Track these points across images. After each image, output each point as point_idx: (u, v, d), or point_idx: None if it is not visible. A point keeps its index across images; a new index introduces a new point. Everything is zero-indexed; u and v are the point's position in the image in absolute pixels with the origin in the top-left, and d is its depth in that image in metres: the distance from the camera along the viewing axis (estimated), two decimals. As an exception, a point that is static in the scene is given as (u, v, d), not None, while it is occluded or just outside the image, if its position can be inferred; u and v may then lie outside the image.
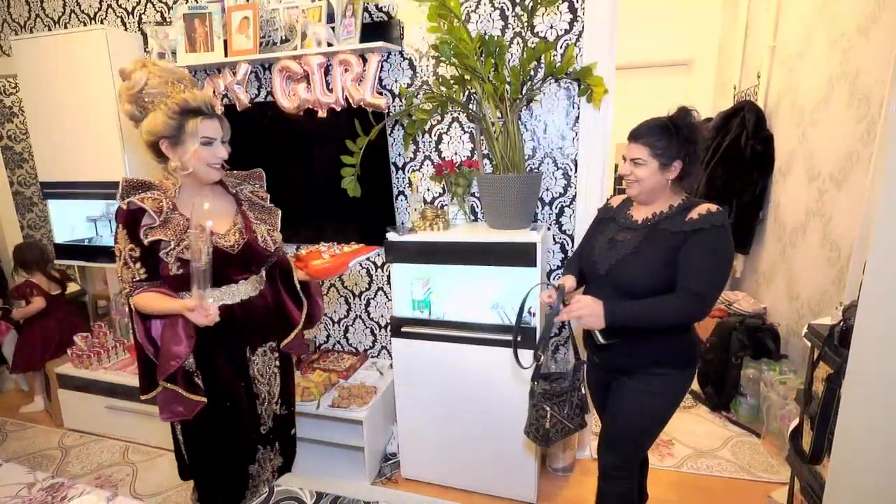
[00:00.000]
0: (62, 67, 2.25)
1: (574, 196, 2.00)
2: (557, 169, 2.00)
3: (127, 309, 1.36)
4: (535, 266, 1.71)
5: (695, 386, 2.76)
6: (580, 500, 1.98)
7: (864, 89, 1.91)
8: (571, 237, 2.03)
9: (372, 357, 2.47)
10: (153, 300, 1.25)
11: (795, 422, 1.50)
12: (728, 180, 2.73)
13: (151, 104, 1.26)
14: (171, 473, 2.19)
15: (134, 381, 2.34)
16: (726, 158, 2.74)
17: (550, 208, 2.04)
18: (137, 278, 1.27)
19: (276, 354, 1.54)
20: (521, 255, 1.72)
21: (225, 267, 1.35)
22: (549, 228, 2.05)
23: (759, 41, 2.92)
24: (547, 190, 2.02)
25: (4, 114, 3.54)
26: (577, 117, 1.93)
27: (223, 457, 1.44)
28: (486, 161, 2.02)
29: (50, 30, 2.62)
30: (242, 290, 1.42)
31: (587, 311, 1.23)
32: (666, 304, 1.22)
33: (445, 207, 2.12)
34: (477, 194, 2.08)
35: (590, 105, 1.87)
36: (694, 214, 1.24)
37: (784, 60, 2.62)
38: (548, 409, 1.36)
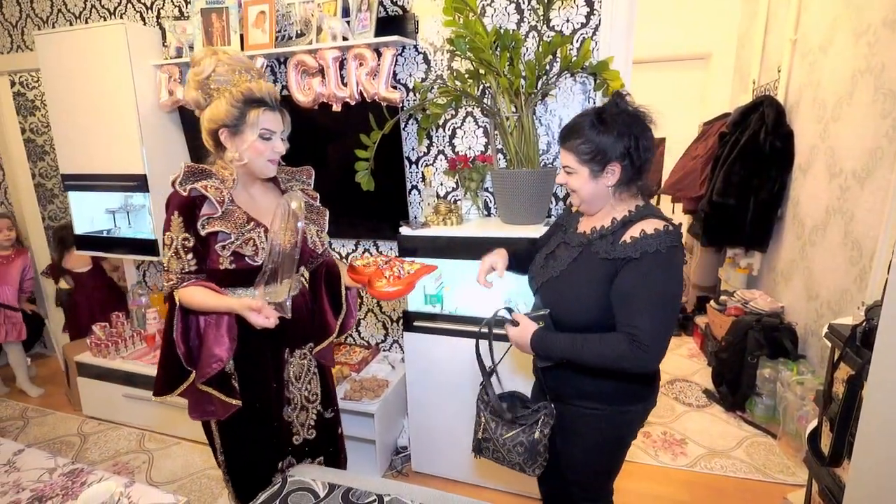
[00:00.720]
0: (83, 61, 2.29)
1: (588, 192, 1.97)
2: (572, 164, 1.97)
3: (169, 302, 1.28)
4: (549, 262, 1.70)
5: (709, 385, 2.73)
6: (591, 497, 1.97)
7: (889, 84, 1.86)
8: (585, 233, 2.01)
9: (384, 351, 2.48)
10: (202, 295, 1.19)
11: (814, 423, 1.47)
12: (745, 177, 2.68)
13: (217, 91, 1.22)
14: (186, 462, 2.23)
15: (150, 371, 2.39)
16: (744, 154, 2.69)
17: (564, 203, 2.02)
18: (187, 269, 1.21)
19: (312, 355, 1.48)
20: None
21: (278, 264, 1.30)
22: (562, 224, 2.03)
23: (779, 34, 2.86)
24: (561, 186, 2.00)
25: (27, 107, 3.62)
26: (593, 112, 1.90)
27: (254, 458, 1.41)
28: (499, 156, 2.00)
29: (71, 24, 2.66)
30: (286, 288, 1.35)
31: (514, 340, 1.15)
32: (603, 348, 1.03)
33: (459, 202, 2.11)
34: (490, 189, 2.07)
35: (606, 100, 1.84)
36: (627, 237, 1.04)
37: (806, 54, 2.55)
38: (482, 418, 1.22)
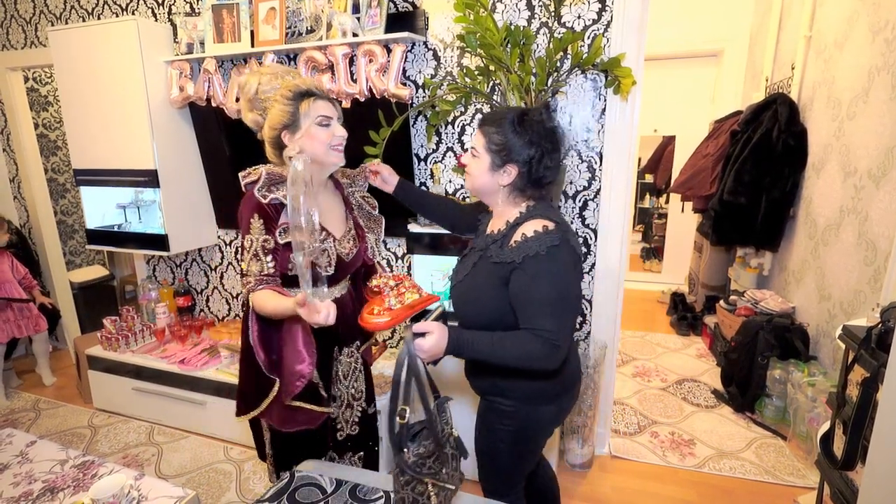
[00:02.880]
0: (95, 57, 2.30)
1: (598, 190, 1.96)
2: (582, 162, 1.96)
3: (245, 308, 1.28)
4: (558, 260, 1.69)
5: (718, 385, 2.71)
6: (597, 496, 1.96)
7: (908, 81, 1.82)
8: (595, 231, 2.00)
9: (391, 347, 2.48)
10: (271, 299, 1.17)
11: (826, 425, 1.45)
12: (757, 175, 2.65)
13: (267, 101, 1.24)
14: (195, 455, 2.25)
15: (159, 365, 2.41)
16: (756, 153, 2.65)
17: (574, 202, 2.01)
18: (266, 272, 1.20)
19: (360, 357, 1.50)
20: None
21: (340, 271, 1.33)
22: (572, 222, 2.02)
23: (793, 31, 2.81)
24: (571, 183, 1.99)
25: (40, 103, 3.66)
26: (604, 109, 1.89)
27: (302, 454, 1.42)
28: (508, 153, 1.99)
29: (84, 21, 2.68)
30: (336, 289, 1.39)
31: (431, 350, 1.01)
32: (517, 348, 1.01)
33: (467, 199, 2.11)
34: (499, 187, 2.06)
35: (616, 97, 1.83)
36: (512, 241, 1.06)
37: (820, 51, 2.51)
38: (428, 481, 1.02)
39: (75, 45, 2.32)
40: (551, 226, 1.04)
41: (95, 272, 3.50)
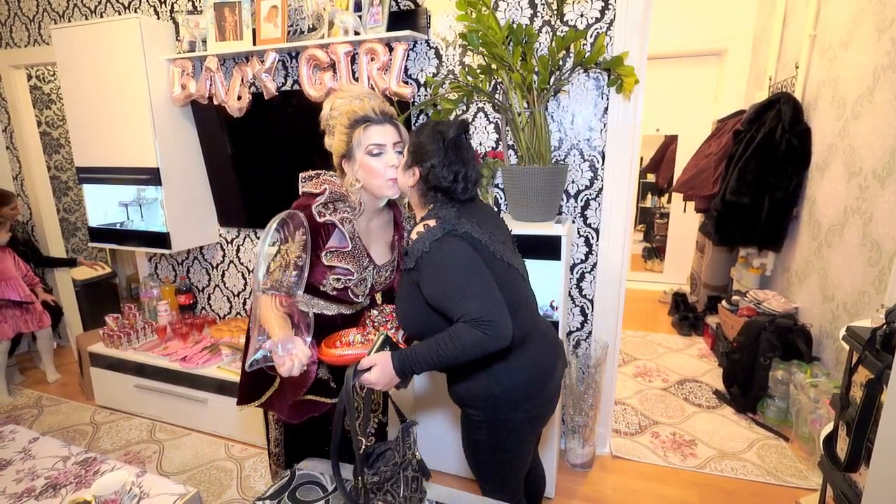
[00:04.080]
0: (98, 55, 2.31)
1: (600, 189, 1.96)
2: (584, 161, 1.96)
3: (253, 304, 1.26)
4: (560, 259, 1.69)
5: (720, 386, 2.70)
6: (598, 496, 1.96)
7: (913, 81, 1.81)
8: (597, 231, 1.99)
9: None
10: (271, 308, 1.15)
11: (829, 427, 1.44)
12: (760, 175, 2.63)
13: (333, 128, 1.23)
14: (196, 452, 2.26)
15: (160, 363, 2.42)
16: (759, 152, 2.64)
17: (576, 201, 2.00)
18: (286, 283, 1.18)
19: None
20: (546, 248, 1.69)
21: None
22: (573, 222, 2.01)
23: (798, 30, 2.80)
24: (573, 182, 1.99)
25: (43, 101, 3.67)
26: (606, 108, 1.88)
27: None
28: (510, 152, 1.99)
29: (87, 19, 2.69)
30: (353, 309, 1.38)
31: (379, 381, 1.04)
32: (457, 342, 0.99)
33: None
34: (501, 186, 2.06)
35: (619, 96, 1.82)
36: (407, 244, 1.10)
37: (825, 50, 2.50)
38: None
39: (78, 43, 2.33)
40: (432, 223, 1.07)
41: (98, 270, 3.50)
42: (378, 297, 1.50)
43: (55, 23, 2.79)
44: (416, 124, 1.16)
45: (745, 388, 2.47)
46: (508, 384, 1.14)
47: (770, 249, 2.87)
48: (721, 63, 3.85)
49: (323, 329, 1.28)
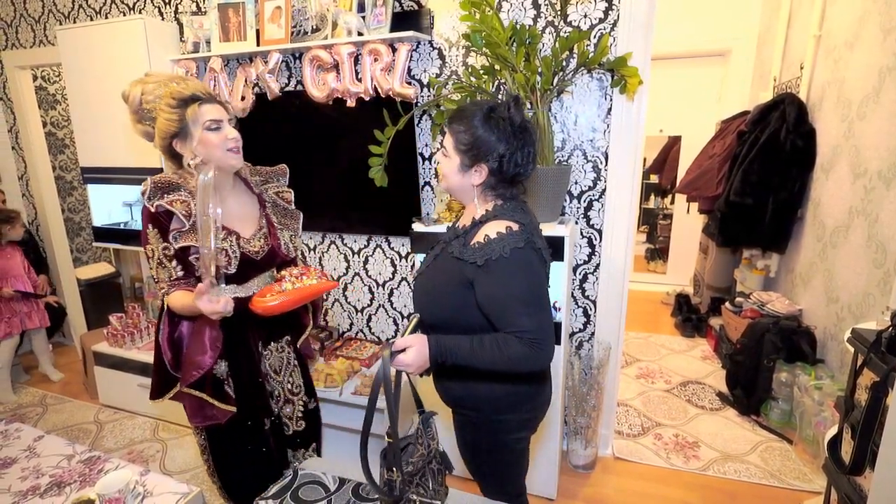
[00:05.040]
0: (102, 56, 2.32)
1: (604, 190, 1.95)
2: (587, 162, 1.96)
3: (160, 309, 1.34)
4: (563, 260, 1.69)
5: (723, 388, 2.69)
6: (600, 497, 1.96)
7: (919, 81, 1.80)
8: (600, 232, 1.99)
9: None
10: (181, 298, 1.21)
11: (833, 429, 1.44)
12: (765, 176, 2.62)
13: (154, 111, 1.23)
14: (199, 452, 2.26)
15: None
16: (764, 153, 2.63)
17: (579, 202, 2.00)
18: (175, 276, 1.24)
19: (292, 349, 1.50)
20: (549, 249, 1.69)
21: (248, 269, 1.33)
22: (576, 222, 2.01)
23: (803, 30, 2.79)
24: (576, 183, 1.98)
25: (48, 101, 3.69)
26: (610, 109, 1.88)
27: (249, 467, 1.42)
28: (514, 153, 1.99)
29: (92, 20, 2.70)
30: (256, 284, 1.37)
31: (414, 363, 1.01)
32: (499, 351, 0.98)
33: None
34: (504, 186, 2.06)
35: (623, 97, 1.82)
36: (475, 241, 1.02)
37: (830, 50, 2.48)
38: (415, 498, 1.02)
39: (83, 43, 2.34)
40: (515, 227, 1.01)
41: (102, 269, 3.53)
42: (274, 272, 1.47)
43: (60, 24, 2.81)
44: (452, 115, 1.09)
45: (748, 390, 2.46)
46: (510, 387, 1.12)
47: (774, 251, 2.85)
48: (725, 63, 3.84)
49: (238, 320, 1.29)
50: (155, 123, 1.23)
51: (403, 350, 1.00)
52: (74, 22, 2.76)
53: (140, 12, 2.55)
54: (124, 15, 2.59)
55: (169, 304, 1.25)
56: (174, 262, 1.23)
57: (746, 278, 3.16)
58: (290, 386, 1.48)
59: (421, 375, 1.09)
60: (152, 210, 1.20)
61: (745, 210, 2.71)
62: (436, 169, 1.16)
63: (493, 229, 1.01)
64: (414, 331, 1.06)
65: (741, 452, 2.18)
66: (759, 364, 2.40)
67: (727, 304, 2.99)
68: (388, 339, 1.10)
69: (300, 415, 1.51)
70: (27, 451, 1.37)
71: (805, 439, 2.11)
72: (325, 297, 2.43)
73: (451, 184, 1.10)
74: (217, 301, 1.11)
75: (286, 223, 1.45)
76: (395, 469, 0.98)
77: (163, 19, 2.49)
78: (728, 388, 2.64)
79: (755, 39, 3.54)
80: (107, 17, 2.65)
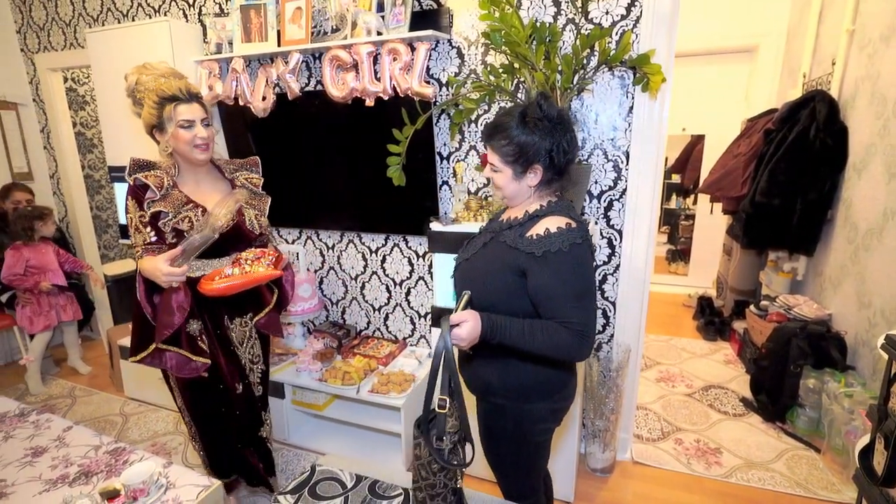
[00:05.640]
0: (130, 58, 2.36)
1: (624, 190, 1.92)
2: (608, 161, 1.92)
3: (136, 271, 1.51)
4: (582, 261, 1.66)
5: (747, 393, 2.62)
6: (618, 502, 1.93)
7: (961, 77, 1.72)
8: (620, 232, 1.96)
9: (411, 345, 2.49)
10: (149, 261, 1.37)
11: (865, 439, 1.38)
12: (792, 176, 2.54)
13: (142, 99, 1.43)
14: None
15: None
16: (792, 153, 2.55)
17: (599, 202, 1.97)
18: (148, 241, 1.43)
19: (253, 324, 1.68)
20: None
21: (214, 243, 1.47)
22: (596, 223, 1.98)
23: (834, 24, 2.69)
24: (596, 183, 1.95)
25: (78, 102, 3.81)
26: (631, 107, 1.84)
27: (217, 423, 1.63)
28: (532, 152, 1.97)
29: (119, 22, 2.77)
30: (211, 265, 1.52)
31: (468, 337, 1.04)
32: (549, 338, 1.03)
33: (490, 198, 2.09)
34: (522, 186, 2.04)
35: (644, 95, 1.78)
36: (533, 233, 1.07)
37: (864, 45, 2.39)
38: (455, 463, 1.07)
39: (111, 45, 2.40)
40: (574, 224, 1.07)
41: (128, 265, 3.62)
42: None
43: (90, 27, 2.89)
44: (488, 132, 1.13)
45: (773, 396, 2.39)
46: (542, 376, 1.16)
47: (802, 253, 2.77)
48: (752, 60, 3.73)
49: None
50: (142, 109, 1.44)
51: (458, 325, 1.04)
52: (103, 25, 2.84)
53: (165, 15, 2.61)
54: (150, 17, 2.66)
55: (141, 267, 1.42)
56: (148, 229, 1.42)
57: (772, 281, 3.07)
58: (250, 356, 1.68)
59: (467, 352, 1.14)
60: (132, 183, 1.41)
61: (772, 211, 2.63)
62: (487, 179, 1.19)
63: (554, 224, 1.07)
64: (465, 307, 1.10)
65: (766, 460, 2.12)
66: (785, 369, 2.33)
67: (752, 307, 2.91)
68: (442, 315, 1.14)
69: (258, 380, 1.72)
70: (57, 441, 1.41)
71: (834, 448, 2.04)
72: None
73: (509, 192, 1.14)
74: (178, 265, 1.31)
75: (253, 203, 1.62)
76: (444, 437, 1.05)
77: (187, 21, 2.55)
78: (752, 394, 2.57)
79: (784, 35, 3.44)
80: (133, 20, 2.72)
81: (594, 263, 1.16)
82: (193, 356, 1.50)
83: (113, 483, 1.18)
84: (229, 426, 1.65)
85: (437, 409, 1.04)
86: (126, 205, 1.44)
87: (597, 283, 1.12)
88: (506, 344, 1.06)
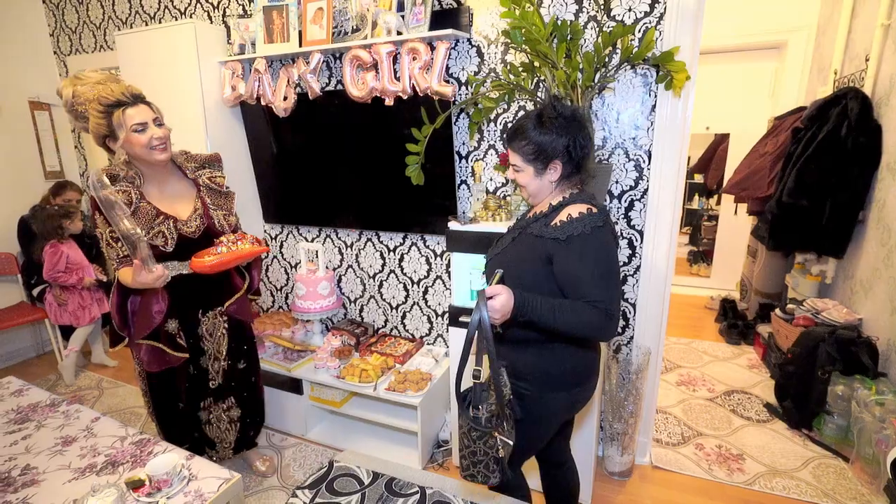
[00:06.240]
0: (156, 59, 2.44)
1: (646, 189, 1.89)
2: (629, 160, 1.89)
3: (114, 282, 1.57)
4: (602, 261, 1.64)
5: (771, 399, 2.55)
6: (637, 507, 1.90)
7: None
8: (641, 233, 1.93)
9: (428, 344, 2.49)
10: (127, 273, 1.42)
11: (897, 449, 1.33)
12: (822, 176, 2.46)
13: (85, 112, 1.40)
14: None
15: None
16: (821, 152, 2.47)
17: (619, 202, 1.94)
18: (121, 255, 1.45)
19: (225, 318, 1.75)
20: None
21: (188, 248, 1.54)
22: (616, 223, 1.95)
23: (868, 19, 2.59)
24: (616, 182, 1.93)
25: (106, 103, 3.90)
26: (654, 106, 1.81)
27: (172, 401, 1.74)
28: (552, 151, 1.95)
29: (147, 25, 2.85)
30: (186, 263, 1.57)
31: (501, 310, 1.06)
32: (577, 316, 1.08)
33: (508, 198, 2.07)
34: (541, 185, 2.02)
35: (668, 93, 1.75)
36: (557, 221, 1.15)
37: (901, 41, 2.30)
38: (496, 435, 1.13)
39: (139, 47, 2.47)
40: (595, 209, 1.15)
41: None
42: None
43: (118, 29, 2.97)
44: (509, 136, 1.23)
45: (799, 402, 2.32)
46: (567, 365, 1.22)
47: (831, 256, 2.68)
48: (779, 57, 3.63)
49: (183, 290, 1.60)
50: (88, 123, 1.43)
51: (492, 298, 1.08)
52: (131, 27, 2.92)
53: (191, 17, 2.67)
54: (176, 20, 2.72)
55: (120, 279, 1.47)
56: (119, 243, 1.44)
57: (799, 284, 2.98)
58: (217, 347, 1.76)
59: (495, 330, 1.18)
60: (96, 197, 1.39)
61: (799, 212, 2.56)
62: (511, 180, 1.29)
63: (576, 210, 1.14)
64: (499, 283, 1.15)
65: (791, 468, 2.06)
66: (812, 375, 2.26)
67: (777, 310, 2.83)
68: (479, 291, 1.18)
69: (224, 371, 1.80)
70: (85, 431, 1.46)
71: (864, 458, 1.97)
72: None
73: (532, 189, 1.22)
74: (151, 271, 1.34)
75: (220, 203, 1.67)
76: (480, 406, 1.13)
77: (211, 23, 2.60)
78: (777, 400, 2.50)
79: (814, 31, 3.33)
80: (160, 22, 2.79)
81: (617, 247, 1.22)
82: (172, 351, 1.61)
83: (138, 473, 1.21)
84: (179, 402, 1.75)
85: (473, 379, 1.11)
86: (94, 220, 1.46)
87: (620, 265, 1.15)
88: (535, 321, 1.10)
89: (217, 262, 1.53)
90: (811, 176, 2.49)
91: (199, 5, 2.63)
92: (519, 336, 1.21)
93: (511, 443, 1.13)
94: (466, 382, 1.17)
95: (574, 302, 1.10)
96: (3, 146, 3.18)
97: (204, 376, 1.77)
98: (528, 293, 1.11)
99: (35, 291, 3.02)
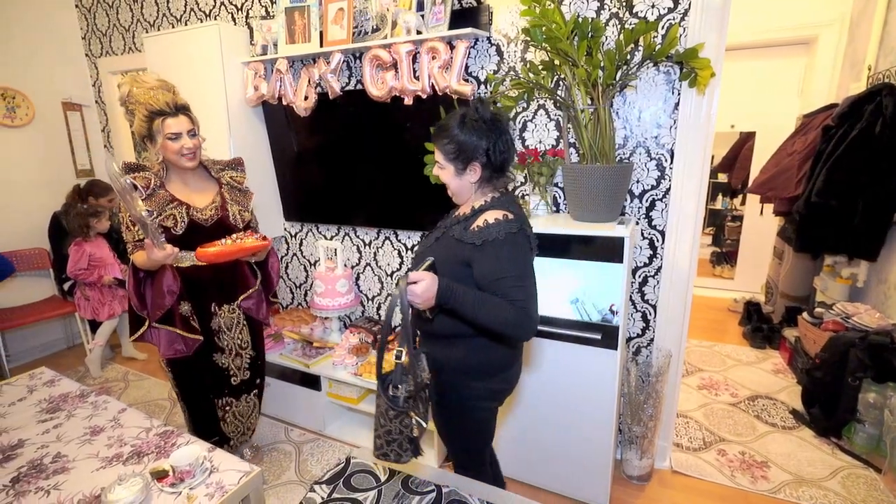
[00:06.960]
0: (182, 60, 2.50)
1: (668, 189, 1.85)
2: (651, 160, 1.86)
3: (129, 266, 1.64)
4: (622, 262, 1.62)
5: (798, 405, 2.47)
6: (656, 512, 1.86)
7: None
8: (662, 233, 1.89)
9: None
10: (141, 255, 1.51)
11: (933, 460, 1.28)
12: (853, 176, 2.37)
13: (134, 111, 1.56)
14: (258, 434, 2.39)
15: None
16: (853, 150, 2.38)
17: (640, 201, 1.91)
18: (137, 238, 1.56)
19: (241, 313, 1.83)
20: (608, 250, 1.63)
21: (198, 234, 1.62)
22: (637, 223, 1.92)
23: (906, 13, 2.49)
24: (637, 182, 1.89)
25: (134, 104, 4.02)
26: (677, 104, 1.77)
27: (199, 395, 1.82)
28: (571, 150, 1.93)
29: (173, 27, 2.92)
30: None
31: (423, 296, 1.10)
32: (499, 312, 1.12)
33: (527, 197, 2.06)
34: (560, 184, 2.00)
35: (691, 91, 1.71)
36: (474, 226, 1.18)
37: (941, 35, 2.20)
38: (412, 415, 1.17)
39: (166, 49, 2.53)
40: (511, 216, 1.18)
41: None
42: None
43: (146, 31, 3.06)
44: (435, 132, 1.26)
45: (828, 409, 2.25)
46: (484, 357, 1.27)
47: (863, 258, 2.58)
48: (809, 52, 3.52)
49: (196, 282, 1.69)
50: (134, 119, 1.58)
51: (416, 283, 1.12)
52: (158, 30, 2.99)
53: (215, 19, 2.72)
54: (201, 22, 2.78)
55: (134, 262, 1.58)
56: (136, 227, 1.56)
57: (828, 287, 2.88)
58: (239, 342, 1.83)
59: (423, 314, 1.22)
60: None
61: (829, 212, 2.47)
62: (434, 176, 1.34)
63: (492, 216, 1.17)
64: (428, 270, 1.18)
65: (818, 477, 2.00)
66: (841, 382, 2.18)
67: (805, 314, 2.75)
68: (406, 271, 1.21)
69: (246, 365, 1.88)
70: (112, 422, 1.50)
71: (896, 469, 1.89)
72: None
73: (454, 188, 1.26)
74: (162, 248, 1.43)
75: (237, 199, 1.78)
76: (399, 386, 1.16)
77: (235, 24, 2.65)
78: (804, 406, 2.43)
79: (846, 25, 3.21)
80: (186, 24, 2.86)
81: (534, 254, 1.24)
82: (187, 333, 1.68)
83: (162, 464, 1.24)
84: (208, 393, 1.83)
85: (395, 359, 1.15)
86: (119, 205, 1.58)
87: (532, 268, 1.20)
88: (457, 309, 1.13)
89: (219, 251, 1.61)
90: (842, 175, 2.40)
91: (223, 7, 2.68)
92: (448, 331, 1.25)
93: (425, 424, 1.19)
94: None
95: (496, 298, 1.13)
96: (38, 145, 3.31)
97: (221, 374, 1.82)
98: (456, 283, 1.14)
99: (66, 286, 3.13)
